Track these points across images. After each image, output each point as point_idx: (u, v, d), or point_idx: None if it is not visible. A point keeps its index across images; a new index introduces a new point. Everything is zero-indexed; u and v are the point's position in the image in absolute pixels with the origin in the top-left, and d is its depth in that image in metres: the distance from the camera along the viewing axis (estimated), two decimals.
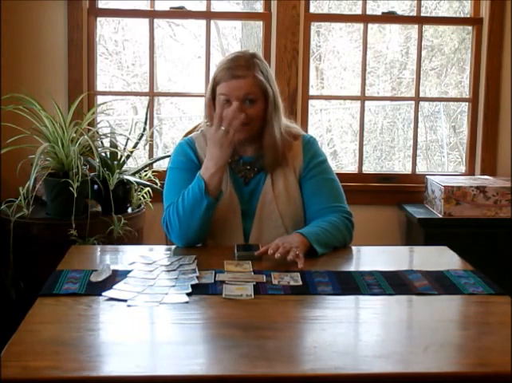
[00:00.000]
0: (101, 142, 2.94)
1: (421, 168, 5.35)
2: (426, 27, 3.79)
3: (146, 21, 3.40)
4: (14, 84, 3.12)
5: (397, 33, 5.78)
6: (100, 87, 3.45)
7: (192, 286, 1.64)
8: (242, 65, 2.03)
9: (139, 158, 3.48)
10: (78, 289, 1.62)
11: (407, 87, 5.68)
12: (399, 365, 1.27)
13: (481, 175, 3.42)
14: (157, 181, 2.97)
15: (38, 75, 3.26)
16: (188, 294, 1.59)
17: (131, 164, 3.08)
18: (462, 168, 3.62)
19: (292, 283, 1.68)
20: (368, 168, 5.09)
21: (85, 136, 2.68)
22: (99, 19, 3.40)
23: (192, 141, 2.17)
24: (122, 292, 1.60)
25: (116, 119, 5.60)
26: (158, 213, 2.20)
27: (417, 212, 3.19)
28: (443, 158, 5.96)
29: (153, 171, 3.03)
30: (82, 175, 2.59)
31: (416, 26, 3.49)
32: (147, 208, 2.99)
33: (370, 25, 3.68)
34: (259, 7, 3.84)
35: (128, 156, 2.98)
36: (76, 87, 3.26)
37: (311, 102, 3.53)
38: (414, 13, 3.59)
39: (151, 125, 3.38)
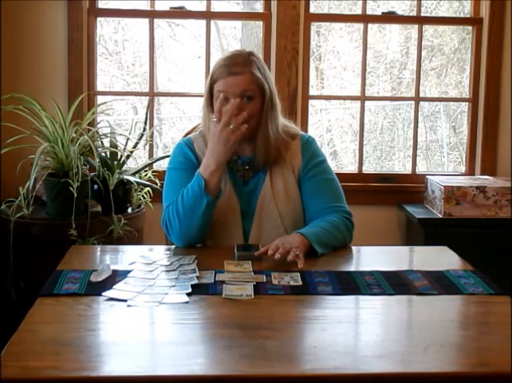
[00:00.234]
0: (101, 142, 2.94)
1: (421, 168, 5.36)
2: (426, 27, 3.79)
3: (146, 21, 3.40)
4: (14, 84, 3.12)
5: (397, 33, 5.79)
6: (100, 87, 3.45)
7: (192, 286, 1.64)
8: (239, 62, 2.03)
9: (139, 158, 3.48)
10: (78, 289, 1.61)
11: (407, 87, 5.68)
12: (399, 365, 1.26)
13: (481, 175, 3.42)
14: (157, 181, 2.97)
15: (38, 75, 3.26)
16: (188, 294, 1.59)
17: (131, 164, 3.07)
18: (462, 168, 3.62)
19: (292, 283, 1.68)
20: (368, 168, 5.09)
21: (85, 136, 2.68)
22: (99, 19, 3.40)
23: (191, 142, 2.17)
24: (122, 292, 1.60)
25: (116, 119, 5.60)
26: (158, 213, 2.19)
27: (417, 212, 3.19)
28: (443, 158, 5.97)
29: (153, 171, 3.03)
30: (82, 175, 2.59)
31: (416, 26, 3.49)
32: (147, 208, 2.99)
33: (370, 25, 3.68)
34: (259, 7, 3.84)
35: (128, 156, 2.97)
36: (76, 87, 3.26)
37: (311, 102, 3.52)
38: (414, 13, 3.58)
39: (151, 125, 3.38)
